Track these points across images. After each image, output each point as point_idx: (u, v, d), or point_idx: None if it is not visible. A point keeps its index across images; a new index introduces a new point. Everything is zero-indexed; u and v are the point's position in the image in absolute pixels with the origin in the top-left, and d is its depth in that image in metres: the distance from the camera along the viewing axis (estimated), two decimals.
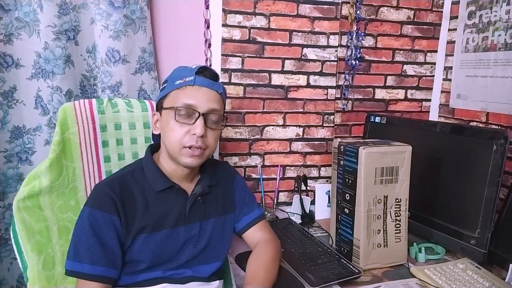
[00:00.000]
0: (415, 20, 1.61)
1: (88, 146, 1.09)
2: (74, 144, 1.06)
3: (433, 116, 1.69)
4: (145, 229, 0.90)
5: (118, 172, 0.99)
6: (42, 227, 1.01)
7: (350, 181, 1.10)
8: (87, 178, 1.09)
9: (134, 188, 0.92)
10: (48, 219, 1.02)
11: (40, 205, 1.01)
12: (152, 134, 1.05)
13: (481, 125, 1.45)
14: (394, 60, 1.62)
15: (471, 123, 1.50)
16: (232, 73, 1.46)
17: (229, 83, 1.45)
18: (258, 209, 1.07)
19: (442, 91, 1.66)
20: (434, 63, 1.67)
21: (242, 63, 1.46)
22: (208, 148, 0.92)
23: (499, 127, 1.37)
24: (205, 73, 0.93)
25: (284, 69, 1.51)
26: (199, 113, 0.89)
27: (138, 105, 1.15)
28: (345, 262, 1.08)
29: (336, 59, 1.55)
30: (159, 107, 0.96)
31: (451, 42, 1.60)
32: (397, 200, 1.10)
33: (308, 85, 1.54)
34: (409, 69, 1.65)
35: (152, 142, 1.08)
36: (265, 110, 1.52)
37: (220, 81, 0.97)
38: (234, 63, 1.45)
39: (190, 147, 0.89)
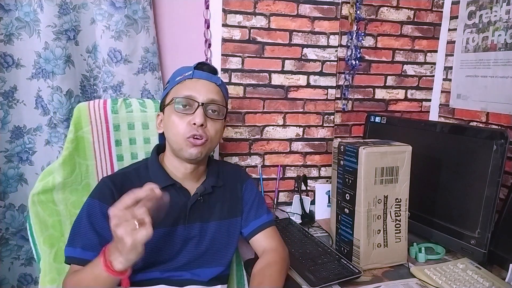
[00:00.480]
0: (415, 20, 1.61)
1: (101, 144, 1.12)
2: (87, 142, 1.10)
3: (433, 116, 1.69)
4: None
5: (124, 168, 1.01)
6: (55, 221, 1.04)
7: (350, 181, 1.10)
8: (100, 176, 1.11)
9: (136, 183, 0.92)
10: (61, 214, 1.05)
11: (54, 200, 1.05)
12: (159, 134, 1.05)
13: (481, 125, 1.45)
14: (394, 60, 1.62)
15: (471, 123, 1.50)
16: (232, 73, 1.46)
17: (229, 83, 1.46)
18: (267, 215, 1.05)
19: (442, 91, 1.66)
20: (434, 63, 1.67)
21: (242, 63, 1.46)
22: (210, 140, 0.92)
23: (499, 127, 1.37)
24: (204, 67, 0.96)
25: (284, 69, 1.51)
26: (198, 103, 0.90)
27: (152, 105, 1.16)
28: (345, 262, 1.08)
29: (336, 59, 1.55)
30: (162, 107, 0.98)
31: (451, 42, 1.60)
32: (397, 200, 1.10)
33: (308, 85, 1.54)
34: (409, 69, 1.65)
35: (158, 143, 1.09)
36: (265, 110, 1.52)
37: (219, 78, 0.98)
38: (234, 63, 1.45)
39: (193, 137, 0.89)
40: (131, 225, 0.67)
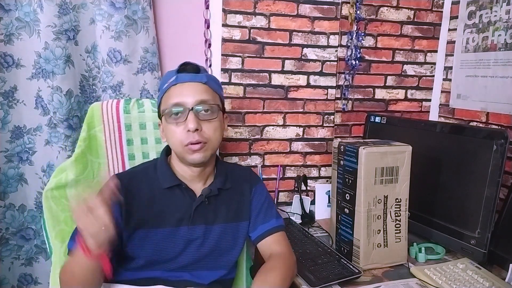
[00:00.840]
0: (415, 20, 1.61)
1: (113, 143, 1.14)
2: (99, 141, 1.13)
3: (433, 116, 1.69)
4: (146, 224, 0.91)
5: (135, 166, 1.03)
6: (67, 217, 1.07)
7: (350, 181, 1.10)
8: (112, 174, 1.12)
9: (143, 182, 0.95)
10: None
11: (66, 196, 1.08)
12: None
13: (481, 125, 1.45)
14: (394, 60, 1.62)
15: (471, 123, 1.50)
16: (232, 73, 1.46)
17: (229, 83, 1.46)
18: (276, 220, 1.02)
19: (442, 91, 1.66)
20: (434, 63, 1.67)
21: (242, 63, 1.46)
22: (209, 141, 0.91)
23: (499, 127, 1.37)
24: (187, 68, 0.93)
25: (284, 69, 1.51)
26: (188, 108, 0.89)
27: None
28: (345, 262, 1.08)
29: (336, 59, 1.55)
30: (159, 116, 0.97)
31: (451, 42, 1.60)
32: (397, 200, 1.10)
33: (308, 85, 1.54)
34: (409, 69, 1.65)
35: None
36: (265, 110, 1.52)
37: (206, 73, 0.96)
38: (234, 63, 1.45)
39: (190, 144, 0.88)
40: (89, 220, 0.71)
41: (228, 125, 1.47)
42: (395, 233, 1.11)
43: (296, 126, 1.57)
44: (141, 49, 1.29)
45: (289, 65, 1.51)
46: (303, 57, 1.52)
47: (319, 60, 1.54)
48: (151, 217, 0.91)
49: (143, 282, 0.90)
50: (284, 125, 1.55)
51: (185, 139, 0.88)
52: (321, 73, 1.55)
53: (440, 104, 1.67)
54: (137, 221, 0.90)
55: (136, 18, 1.27)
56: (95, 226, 0.71)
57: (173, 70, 0.95)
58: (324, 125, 1.60)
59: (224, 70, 1.44)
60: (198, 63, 0.97)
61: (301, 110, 1.56)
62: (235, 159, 1.52)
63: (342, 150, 1.14)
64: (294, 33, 1.49)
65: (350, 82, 1.58)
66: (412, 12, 1.60)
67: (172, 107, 0.89)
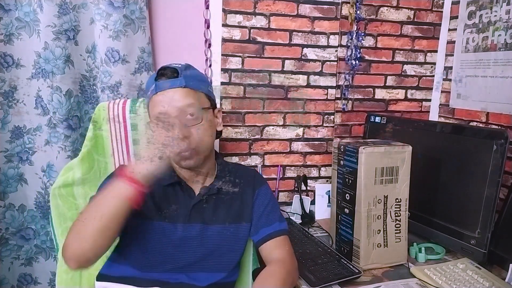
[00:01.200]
0: (415, 20, 1.61)
1: (119, 143, 1.16)
2: (106, 140, 1.14)
3: (433, 116, 1.69)
4: (143, 214, 0.90)
5: None
6: (74, 215, 1.08)
7: (350, 181, 1.10)
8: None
9: None
10: (80, 208, 1.10)
11: (73, 194, 1.09)
12: None
13: (481, 125, 1.45)
14: (394, 60, 1.62)
15: (471, 123, 1.50)
16: (232, 73, 1.46)
17: (229, 83, 1.46)
18: (279, 223, 1.00)
19: (442, 91, 1.66)
20: (434, 63, 1.67)
21: (242, 63, 1.46)
22: (197, 145, 0.90)
23: (499, 127, 1.37)
24: (165, 72, 0.91)
25: (284, 69, 1.51)
26: (171, 117, 0.87)
27: None
28: (345, 262, 1.08)
29: (336, 59, 1.55)
30: None
31: (451, 42, 1.60)
32: (397, 200, 1.10)
33: (308, 85, 1.54)
34: (409, 69, 1.65)
35: None
36: (265, 110, 1.52)
37: (185, 74, 0.91)
38: (234, 63, 1.45)
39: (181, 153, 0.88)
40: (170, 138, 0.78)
41: (229, 125, 1.48)
42: (395, 233, 1.11)
43: (296, 126, 1.56)
44: (138, 49, 1.29)
45: (289, 65, 1.51)
46: (303, 57, 1.52)
47: (319, 60, 1.54)
48: (148, 208, 0.91)
49: (140, 284, 0.89)
50: (284, 125, 1.55)
51: (177, 148, 0.88)
52: (321, 73, 1.55)
53: (440, 104, 1.67)
54: (139, 210, 0.90)
55: (133, 18, 1.27)
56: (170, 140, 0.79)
57: (152, 76, 0.92)
58: (324, 125, 1.60)
59: (224, 70, 1.44)
60: (198, 63, 0.96)
61: (301, 110, 1.55)
62: (235, 159, 1.52)
63: (342, 150, 1.14)
64: (294, 33, 1.49)
65: (350, 82, 1.58)
66: (412, 12, 1.60)
67: (157, 117, 0.89)
